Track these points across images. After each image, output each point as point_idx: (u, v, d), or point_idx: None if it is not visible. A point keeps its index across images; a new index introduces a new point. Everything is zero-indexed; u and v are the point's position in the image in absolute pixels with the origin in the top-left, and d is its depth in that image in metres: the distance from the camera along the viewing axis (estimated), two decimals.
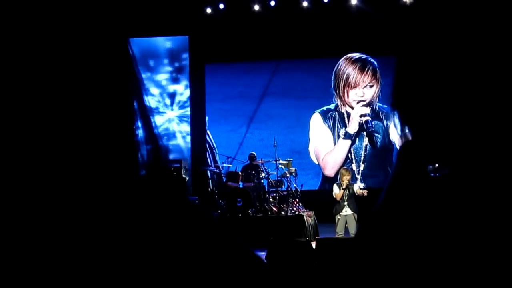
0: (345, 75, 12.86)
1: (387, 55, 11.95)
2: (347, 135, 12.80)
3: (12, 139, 0.62)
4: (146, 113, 13.23)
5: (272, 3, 12.55)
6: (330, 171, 12.81)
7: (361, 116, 12.60)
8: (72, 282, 0.63)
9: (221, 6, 12.76)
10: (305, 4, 12.51)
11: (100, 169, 0.69)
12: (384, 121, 12.72)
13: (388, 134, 12.68)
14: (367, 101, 12.67)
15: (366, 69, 12.76)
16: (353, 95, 12.74)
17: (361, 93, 12.72)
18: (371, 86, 12.72)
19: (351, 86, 12.79)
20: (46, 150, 0.64)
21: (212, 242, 0.72)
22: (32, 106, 0.64)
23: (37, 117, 0.64)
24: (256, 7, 12.59)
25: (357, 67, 12.80)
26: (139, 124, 13.02)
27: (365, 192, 8.65)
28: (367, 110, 12.58)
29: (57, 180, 0.65)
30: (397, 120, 0.87)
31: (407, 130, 0.84)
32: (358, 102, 12.70)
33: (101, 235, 0.67)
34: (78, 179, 0.66)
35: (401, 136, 0.89)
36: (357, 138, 12.77)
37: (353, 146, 12.77)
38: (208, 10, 12.84)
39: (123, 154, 0.74)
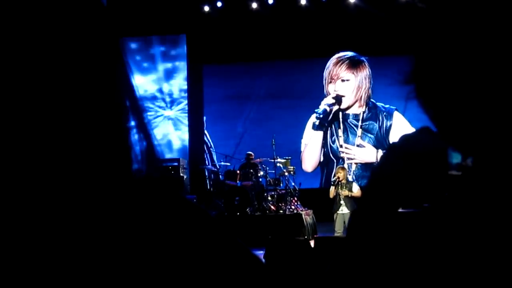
0: (325, 71, 13.06)
1: (387, 54, 11.96)
2: (313, 126, 12.96)
3: (1, 138, 0.61)
4: (141, 112, 13.21)
5: (270, 1, 12.55)
6: (306, 166, 12.95)
7: (325, 104, 12.74)
8: (69, 282, 0.62)
9: (219, 4, 12.76)
10: (303, 2, 12.51)
11: (94, 169, 0.68)
12: (384, 121, 12.74)
13: (383, 134, 12.70)
14: (347, 97, 12.74)
15: (341, 62, 12.85)
16: (331, 90, 12.87)
17: (337, 87, 12.83)
18: (346, 80, 12.79)
19: (327, 81, 12.98)
20: (37, 149, 0.62)
21: (210, 241, 0.71)
22: (22, 105, 0.63)
23: (27, 116, 0.63)
24: (254, 5, 12.59)
25: (333, 62, 12.94)
26: (133, 123, 13.00)
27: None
28: (331, 101, 12.73)
29: (49, 180, 0.63)
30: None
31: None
32: (336, 95, 12.83)
33: (96, 235, 0.66)
34: (71, 178, 0.65)
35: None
36: (349, 138, 12.84)
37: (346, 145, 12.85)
38: (206, 8, 12.84)
39: (116, 153, 0.73)
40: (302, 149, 13.16)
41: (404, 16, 11.33)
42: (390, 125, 12.66)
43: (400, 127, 12.50)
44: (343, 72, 12.80)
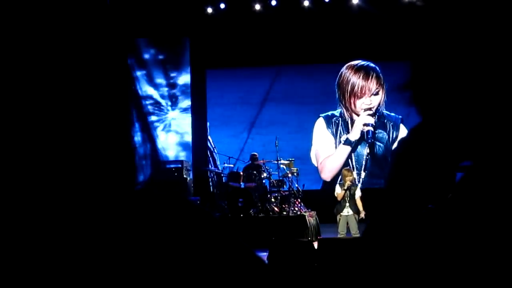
0: (350, 85, 12.80)
1: (392, 60, 11.91)
2: (347, 141, 12.82)
3: (7, 140, 0.61)
4: (145, 115, 13.22)
5: (273, 3, 12.54)
6: (326, 175, 12.87)
7: (364, 125, 12.63)
8: (71, 284, 0.62)
9: (222, 5, 12.76)
10: (306, 3, 12.49)
11: (98, 171, 0.68)
12: (391, 131, 12.68)
13: (391, 144, 12.65)
14: (374, 109, 12.67)
15: (370, 77, 12.71)
16: (360, 104, 12.71)
17: (368, 101, 12.67)
18: (377, 94, 12.69)
19: (358, 96, 12.73)
20: (43, 152, 0.63)
21: (213, 242, 0.72)
22: (29, 107, 0.63)
23: (33, 118, 0.63)
24: (257, 7, 12.58)
25: (361, 76, 12.73)
26: (137, 126, 13.01)
27: (362, 214, 8.67)
28: (372, 120, 12.57)
29: (55, 183, 0.64)
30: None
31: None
32: (365, 110, 12.70)
33: (101, 238, 0.66)
34: (75, 182, 0.65)
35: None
36: (358, 146, 12.76)
37: (355, 153, 12.76)
38: (209, 10, 12.84)
39: (121, 156, 0.73)
40: (312, 156, 13.06)
41: (405, 21, 11.27)
42: (397, 136, 12.60)
43: None
44: (374, 85, 12.68)
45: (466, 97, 0.77)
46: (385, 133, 12.73)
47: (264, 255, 5.24)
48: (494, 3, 0.79)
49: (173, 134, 13.50)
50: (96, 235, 0.65)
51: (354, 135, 12.81)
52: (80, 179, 0.66)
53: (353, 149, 12.84)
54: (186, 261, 0.68)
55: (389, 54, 12.05)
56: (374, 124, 12.61)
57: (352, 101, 12.79)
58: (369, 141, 12.55)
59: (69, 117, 0.65)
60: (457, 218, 0.79)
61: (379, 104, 12.72)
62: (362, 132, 12.70)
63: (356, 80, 12.79)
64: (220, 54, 13.11)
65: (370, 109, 12.63)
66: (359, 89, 12.73)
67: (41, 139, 0.63)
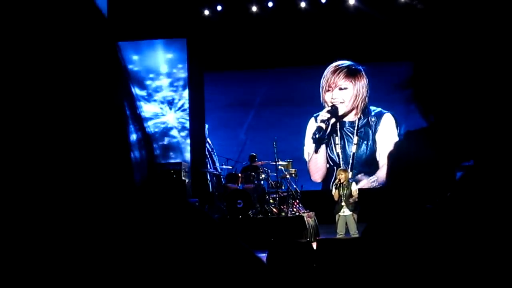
0: (322, 79, 13.17)
1: (387, 60, 11.93)
2: (313, 140, 13.08)
3: (4, 139, 0.61)
4: (141, 116, 13.20)
5: (270, 4, 12.55)
6: (314, 177, 13.09)
7: (321, 121, 12.89)
8: (70, 284, 0.62)
9: (219, 7, 12.76)
10: (303, 5, 12.51)
11: (95, 174, 0.68)
12: (372, 125, 12.79)
13: (375, 135, 12.74)
14: (344, 105, 12.86)
15: (338, 71, 12.96)
16: (328, 98, 12.98)
17: (335, 95, 12.94)
18: (344, 89, 12.88)
19: (325, 89, 13.08)
20: (37, 154, 0.63)
21: (212, 244, 0.72)
22: (20, 110, 0.63)
23: (25, 121, 0.63)
24: (254, 8, 12.59)
25: (330, 70, 13.05)
26: (133, 128, 12.99)
27: (355, 197, 8.71)
28: (326, 116, 12.86)
29: (51, 184, 0.64)
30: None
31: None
32: (332, 106, 12.99)
33: (99, 239, 0.66)
34: (71, 183, 0.65)
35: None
36: (346, 145, 12.90)
37: (342, 153, 12.90)
38: (206, 12, 12.84)
39: (117, 157, 0.73)
40: (305, 157, 13.16)
41: (404, 21, 11.29)
42: (378, 128, 12.75)
43: (385, 131, 12.57)
44: (341, 80, 12.91)
45: (467, 95, 0.77)
46: (368, 129, 12.87)
47: (263, 256, 5.24)
48: (495, 2, 0.79)
49: (171, 136, 13.50)
50: (94, 237, 0.65)
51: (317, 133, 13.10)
52: (76, 180, 0.66)
53: (342, 149, 12.98)
54: (185, 262, 0.68)
55: (386, 54, 12.08)
56: (327, 119, 12.85)
57: (323, 95, 13.10)
58: (316, 136, 12.79)
59: (63, 121, 0.65)
60: (457, 217, 0.79)
61: (351, 102, 12.85)
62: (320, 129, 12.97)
63: (326, 74, 13.14)
64: (217, 56, 13.12)
65: (332, 104, 12.89)
66: (326, 82, 13.07)
67: (37, 138, 0.62)
